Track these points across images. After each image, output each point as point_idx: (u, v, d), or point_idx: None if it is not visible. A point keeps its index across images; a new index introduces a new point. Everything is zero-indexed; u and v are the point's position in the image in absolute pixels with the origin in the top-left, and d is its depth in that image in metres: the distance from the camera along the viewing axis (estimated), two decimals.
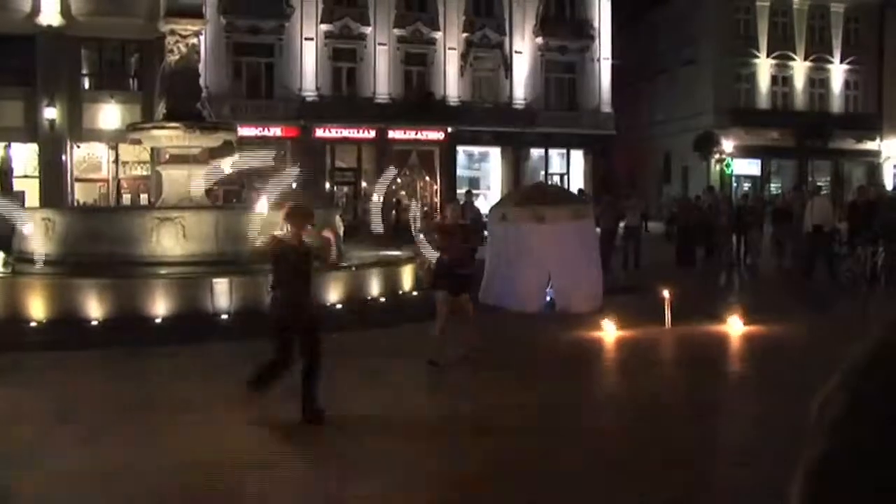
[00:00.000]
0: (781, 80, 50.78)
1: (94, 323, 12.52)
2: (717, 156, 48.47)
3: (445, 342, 10.23)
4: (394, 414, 8.28)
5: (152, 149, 27.32)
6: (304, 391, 7.68)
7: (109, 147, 37.49)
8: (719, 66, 49.02)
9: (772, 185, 49.69)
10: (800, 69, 50.79)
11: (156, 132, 18.06)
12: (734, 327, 12.72)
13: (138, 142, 23.67)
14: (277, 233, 8.41)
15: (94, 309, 12.72)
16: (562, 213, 14.84)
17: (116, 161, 38.00)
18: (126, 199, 37.83)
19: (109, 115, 36.21)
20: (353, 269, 15.27)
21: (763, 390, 9.33)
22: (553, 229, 14.38)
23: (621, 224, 22.67)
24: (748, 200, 26.03)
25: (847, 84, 51.77)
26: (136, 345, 11.39)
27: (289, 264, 7.80)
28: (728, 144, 48.03)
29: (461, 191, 32.28)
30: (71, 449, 7.14)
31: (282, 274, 7.87)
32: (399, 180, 44.74)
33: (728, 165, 48.84)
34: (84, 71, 37.60)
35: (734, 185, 48.10)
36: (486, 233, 16.69)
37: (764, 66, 50.23)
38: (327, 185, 43.11)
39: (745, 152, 48.90)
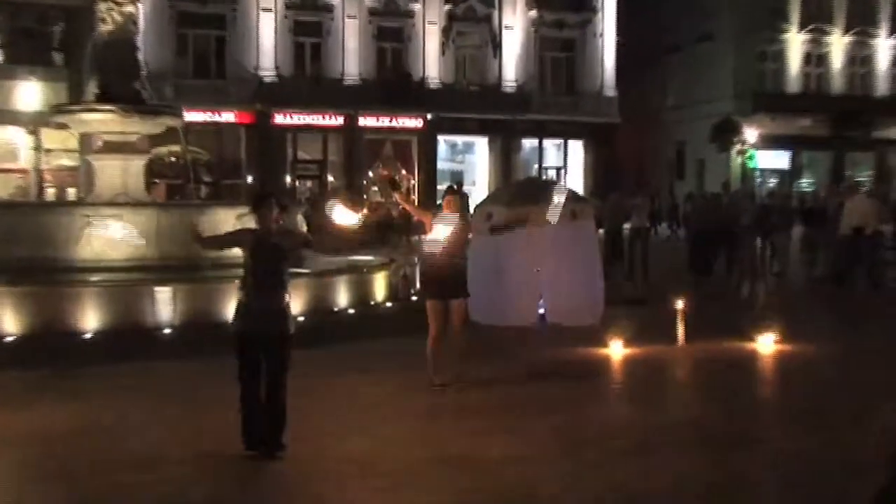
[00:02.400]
0: (816, 58, 51.05)
1: (10, 339, 12.42)
2: (737, 147, 48.76)
3: (438, 358, 10.30)
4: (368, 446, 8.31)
5: (81, 135, 27.20)
6: (266, 420, 7.48)
7: (29, 132, 37.37)
8: (741, 42, 49.32)
9: (803, 180, 49.96)
10: (838, 45, 51.01)
11: (85, 115, 17.96)
12: (756, 346, 12.85)
13: (65, 126, 23.55)
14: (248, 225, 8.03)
15: (11, 323, 12.63)
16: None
17: (38, 148, 37.91)
18: (50, 193, 37.71)
19: (28, 94, 36.10)
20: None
21: (794, 421, 9.40)
22: (547, 232, 14.45)
23: (626, 226, 22.74)
24: (774, 198, 26.19)
25: (894, 62, 51.89)
26: (64, 364, 11.36)
27: (258, 260, 7.50)
28: (751, 133, 48.35)
29: (441, 187, 32.29)
30: None
31: (249, 273, 7.56)
32: (370, 174, 44.86)
33: (751, 158, 49.14)
34: None
35: (758, 180, 48.38)
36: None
37: (794, 43, 50.49)
38: (288, 180, 43.11)
39: (771, 143, 49.19)
